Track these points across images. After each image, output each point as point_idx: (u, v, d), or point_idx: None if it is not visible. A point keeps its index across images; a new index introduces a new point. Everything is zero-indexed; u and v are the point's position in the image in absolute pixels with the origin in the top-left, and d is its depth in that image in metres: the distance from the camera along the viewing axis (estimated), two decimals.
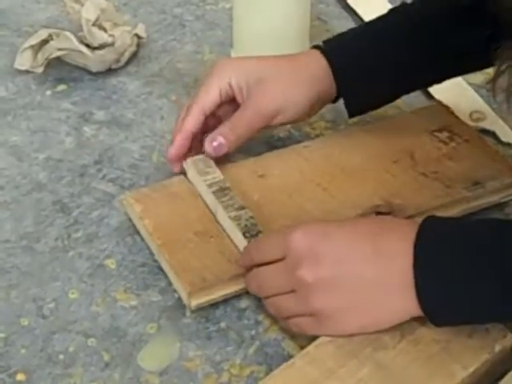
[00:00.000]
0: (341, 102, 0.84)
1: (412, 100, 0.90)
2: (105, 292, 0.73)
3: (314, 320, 0.65)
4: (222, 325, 0.70)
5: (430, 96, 0.94)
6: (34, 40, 0.96)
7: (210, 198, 0.77)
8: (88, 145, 0.88)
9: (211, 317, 0.71)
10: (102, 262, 0.75)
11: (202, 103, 0.79)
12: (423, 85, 0.89)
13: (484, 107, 0.93)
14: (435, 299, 0.62)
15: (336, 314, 0.64)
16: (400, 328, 0.66)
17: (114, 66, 0.98)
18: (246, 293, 0.71)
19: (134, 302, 0.72)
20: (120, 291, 0.73)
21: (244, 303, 0.72)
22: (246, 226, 0.73)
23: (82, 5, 0.96)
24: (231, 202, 0.75)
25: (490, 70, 0.74)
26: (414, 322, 0.66)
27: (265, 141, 0.88)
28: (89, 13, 0.96)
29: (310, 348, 0.65)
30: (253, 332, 0.70)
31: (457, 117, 0.88)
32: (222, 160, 0.81)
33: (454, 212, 0.78)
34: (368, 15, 1.03)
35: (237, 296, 0.72)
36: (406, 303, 0.63)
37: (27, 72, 0.97)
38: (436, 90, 0.92)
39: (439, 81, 0.85)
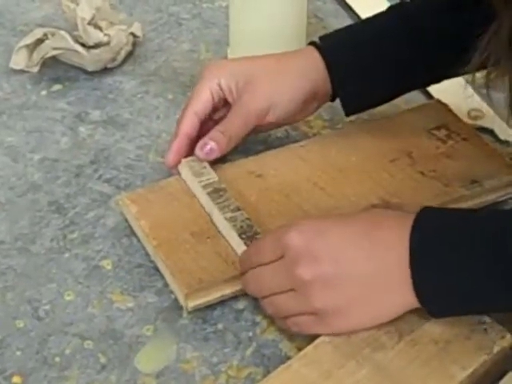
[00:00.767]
0: (338, 100, 0.83)
1: (410, 98, 0.90)
2: (101, 293, 0.72)
3: (313, 318, 0.65)
4: (219, 326, 0.70)
5: (428, 94, 0.94)
6: (30, 39, 0.95)
7: (205, 200, 0.76)
8: (84, 145, 0.88)
9: (208, 318, 0.70)
10: (97, 263, 0.75)
11: (194, 107, 0.80)
12: (421, 84, 0.89)
13: (482, 105, 0.93)
14: (432, 290, 0.62)
15: (336, 310, 0.64)
16: (398, 329, 0.65)
17: (109, 66, 0.98)
18: (243, 294, 0.71)
19: (130, 304, 0.72)
20: (116, 292, 0.72)
21: (241, 304, 0.72)
22: (241, 227, 0.72)
23: (78, 4, 0.96)
24: (227, 203, 0.75)
25: None
26: (412, 322, 0.66)
27: (262, 140, 0.87)
28: (84, 12, 0.95)
29: (308, 349, 0.65)
30: (250, 333, 0.69)
31: (455, 115, 0.88)
32: (218, 160, 0.80)
33: None
34: (365, 13, 1.02)
35: (234, 297, 0.71)
36: (405, 295, 0.62)
37: (22, 71, 0.97)
38: (434, 88, 0.92)
39: (437, 80, 0.85)
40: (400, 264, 0.62)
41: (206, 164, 0.79)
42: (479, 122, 0.91)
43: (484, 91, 0.91)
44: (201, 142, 0.79)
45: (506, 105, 0.71)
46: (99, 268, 0.75)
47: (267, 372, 0.65)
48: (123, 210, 0.78)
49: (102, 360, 0.67)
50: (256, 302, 0.70)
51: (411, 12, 0.82)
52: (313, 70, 0.81)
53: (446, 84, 0.86)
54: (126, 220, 0.78)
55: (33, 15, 1.07)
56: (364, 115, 0.87)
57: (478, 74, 0.73)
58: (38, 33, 0.95)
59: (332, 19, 1.07)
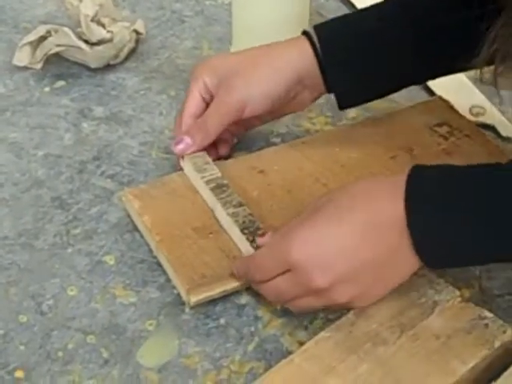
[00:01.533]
0: None
1: (411, 95, 0.90)
2: (104, 288, 0.73)
3: (338, 306, 0.67)
4: (222, 321, 0.70)
5: (429, 91, 0.94)
6: (33, 36, 0.96)
7: (207, 195, 0.76)
8: (87, 141, 0.88)
9: (210, 313, 0.71)
10: (100, 258, 0.75)
11: (188, 108, 0.81)
12: (417, 78, 0.86)
13: (484, 102, 0.93)
14: (430, 242, 0.63)
15: (357, 297, 0.65)
16: (400, 324, 0.66)
17: (112, 62, 0.98)
18: (245, 289, 0.71)
19: (132, 299, 0.72)
20: (119, 288, 0.73)
21: (243, 299, 0.72)
22: (244, 222, 0.73)
23: (81, 0, 0.96)
24: (229, 198, 0.75)
25: None
26: (414, 317, 0.66)
27: (264, 137, 0.88)
28: (87, 8, 0.95)
29: (310, 344, 0.65)
30: (252, 328, 0.70)
31: (456, 111, 0.88)
32: (222, 156, 0.81)
33: None
34: None
35: (236, 292, 0.72)
36: (409, 258, 0.64)
37: (26, 68, 0.97)
38: (435, 84, 0.92)
39: (434, 76, 0.84)
40: (402, 235, 0.62)
41: (209, 160, 0.79)
42: (481, 119, 0.91)
43: (485, 88, 0.92)
44: (177, 138, 0.80)
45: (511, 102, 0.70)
46: (102, 263, 0.75)
47: (269, 367, 0.66)
48: (126, 206, 0.79)
49: (105, 354, 0.68)
50: (258, 297, 0.71)
51: (410, 5, 0.80)
52: (299, 58, 0.79)
53: (448, 81, 0.87)
54: (129, 215, 0.78)
55: (36, 12, 1.07)
56: (365, 112, 0.87)
57: (485, 69, 0.72)
58: (41, 30, 0.95)
59: (334, 16, 1.07)
